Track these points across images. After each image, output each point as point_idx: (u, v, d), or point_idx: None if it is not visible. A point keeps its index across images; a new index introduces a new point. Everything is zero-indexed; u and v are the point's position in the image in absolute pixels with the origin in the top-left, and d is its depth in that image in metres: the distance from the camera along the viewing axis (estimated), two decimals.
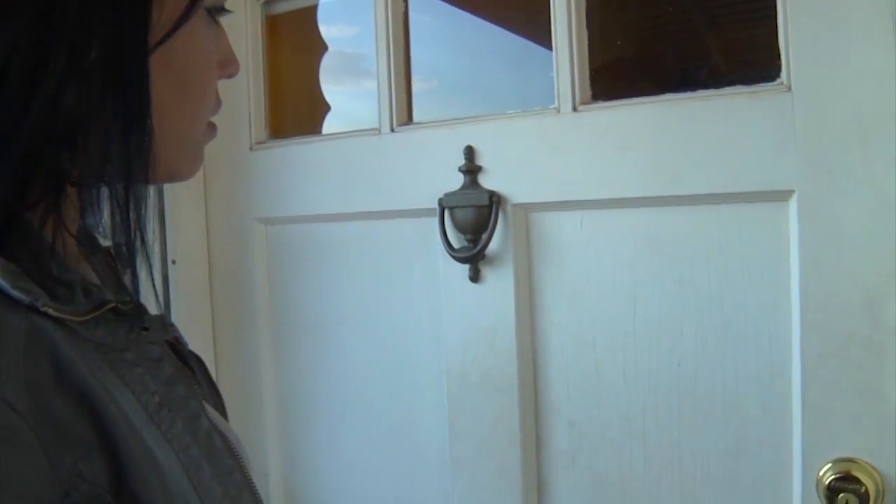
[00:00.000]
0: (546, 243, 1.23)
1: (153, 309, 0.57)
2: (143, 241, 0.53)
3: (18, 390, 0.42)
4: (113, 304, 0.50)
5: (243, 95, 1.55)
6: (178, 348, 0.62)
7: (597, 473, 1.21)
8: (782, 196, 1.04)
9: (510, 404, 1.26)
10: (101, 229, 0.61)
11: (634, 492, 1.18)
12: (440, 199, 1.29)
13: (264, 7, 1.58)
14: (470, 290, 1.29)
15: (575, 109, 1.20)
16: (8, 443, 0.41)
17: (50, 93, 0.46)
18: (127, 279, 0.62)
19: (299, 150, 1.50)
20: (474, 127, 1.28)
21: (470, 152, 1.27)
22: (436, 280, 1.34)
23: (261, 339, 1.57)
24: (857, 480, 0.98)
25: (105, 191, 0.54)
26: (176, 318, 1.53)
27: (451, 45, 1.57)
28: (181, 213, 1.57)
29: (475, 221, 1.25)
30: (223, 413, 0.69)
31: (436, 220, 1.29)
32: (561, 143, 1.20)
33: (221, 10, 0.59)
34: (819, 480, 1.01)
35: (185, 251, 1.58)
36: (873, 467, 0.98)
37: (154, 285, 0.59)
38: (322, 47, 1.65)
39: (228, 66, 0.62)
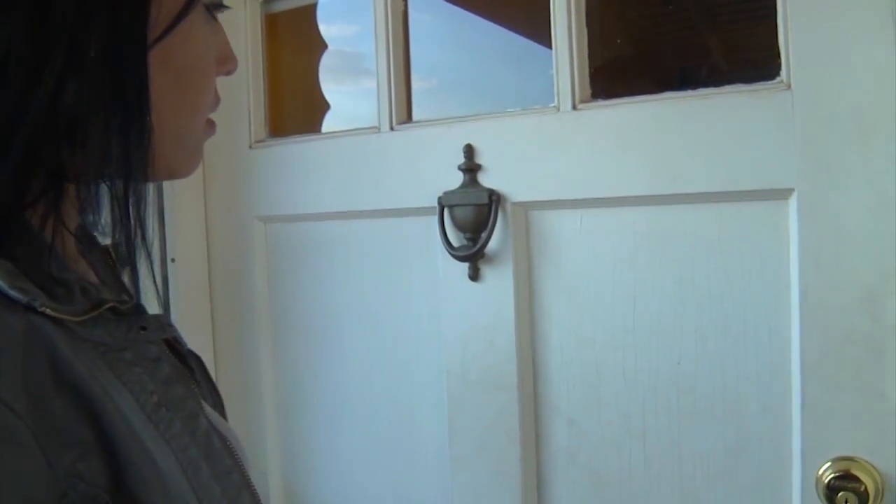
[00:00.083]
0: (546, 242, 1.23)
1: (154, 306, 0.57)
2: (144, 237, 0.53)
3: (16, 390, 0.42)
4: (111, 304, 0.50)
5: (243, 94, 1.55)
6: (176, 347, 0.62)
7: (596, 472, 1.21)
8: (782, 194, 1.04)
9: (510, 403, 1.26)
10: (100, 227, 0.61)
11: (634, 490, 1.18)
12: (440, 198, 1.29)
13: (264, 5, 1.58)
14: (469, 289, 1.29)
15: (575, 108, 1.20)
16: (5, 443, 0.41)
17: (49, 89, 0.46)
18: (126, 277, 0.62)
19: (299, 148, 1.50)
20: (474, 125, 1.28)
21: (469, 151, 1.27)
22: (435, 278, 1.34)
23: (260, 337, 1.57)
24: (856, 479, 0.98)
25: (104, 188, 0.54)
26: (175, 317, 1.53)
27: (450, 43, 1.57)
28: (181, 211, 1.57)
29: (475, 220, 1.25)
30: (222, 412, 0.69)
31: (435, 218, 1.29)
32: (561, 142, 1.20)
33: (220, 6, 0.59)
34: (819, 479, 1.01)
35: (185, 250, 1.58)
36: (873, 466, 0.98)
37: (155, 282, 0.59)
38: (322, 46, 1.65)
39: (227, 62, 0.62)
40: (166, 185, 1.44)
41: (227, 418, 0.70)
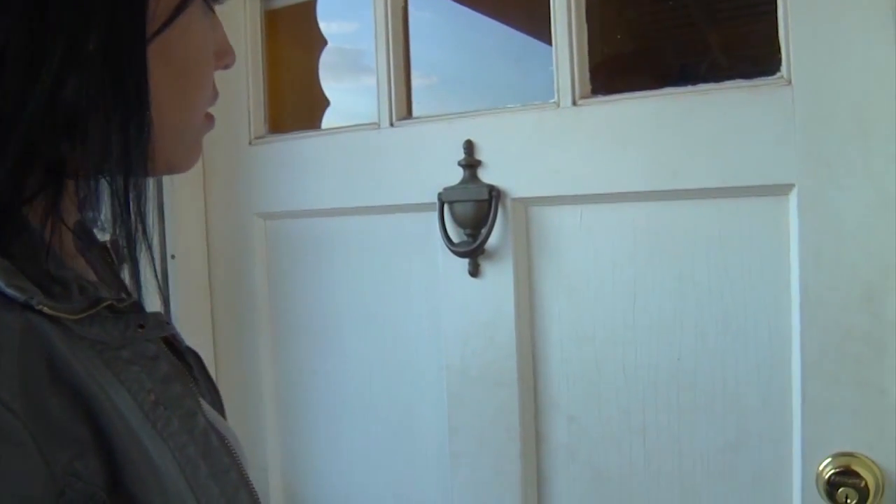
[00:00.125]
0: (546, 238, 1.23)
1: (155, 302, 0.57)
2: (144, 232, 0.53)
3: (13, 389, 0.42)
4: (109, 302, 0.50)
5: (242, 90, 1.55)
6: (174, 345, 0.61)
7: (596, 468, 1.21)
8: (782, 190, 1.04)
9: (510, 399, 1.26)
10: (99, 224, 0.61)
11: (634, 486, 1.18)
12: (440, 194, 1.29)
13: (263, 2, 1.58)
14: (469, 285, 1.29)
15: (574, 104, 1.20)
16: (3, 442, 0.41)
17: (48, 84, 0.46)
18: (125, 274, 0.62)
19: (298, 144, 1.50)
20: (474, 121, 1.28)
21: (469, 147, 1.27)
22: (435, 274, 1.33)
23: (260, 333, 1.57)
24: (856, 475, 0.98)
25: (104, 184, 0.54)
26: (175, 313, 1.53)
27: (450, 40, 1.57)
28: (180, 208, 1.57)
29: (475, 216, 1.25)
30: (221, 409, 0.69)
31: (435, 214, 1.29)
32: (560, 138, 1.20)
33: None
34: (819, 475, 1.01)
35: (185, 246, 1.58)
36: (873, 461, 0.98)
37: (157, 277, 0.58)
38: (321, 42, 1.65)
39: (225, 56, 0.62)
40: (166, 181, 1.45)
41: (225, 415, 0.69)
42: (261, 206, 1.55)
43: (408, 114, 1.40)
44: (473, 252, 1.26)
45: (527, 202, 1.24)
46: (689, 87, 1.12)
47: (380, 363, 1.43)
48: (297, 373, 1.54)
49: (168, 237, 1.54)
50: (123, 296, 0.53)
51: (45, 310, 0.46)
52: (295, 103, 1.70)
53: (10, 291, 0.45)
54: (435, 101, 1.47)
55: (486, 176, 1.26)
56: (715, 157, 1.08)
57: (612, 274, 1.18)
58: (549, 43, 1.22)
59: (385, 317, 1.42)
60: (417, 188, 1.33)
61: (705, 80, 1.11)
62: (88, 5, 0.47)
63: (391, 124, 1.39)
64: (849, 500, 0.98)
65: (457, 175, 1.28)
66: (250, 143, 1.56)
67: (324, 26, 1.64)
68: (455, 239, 1.28)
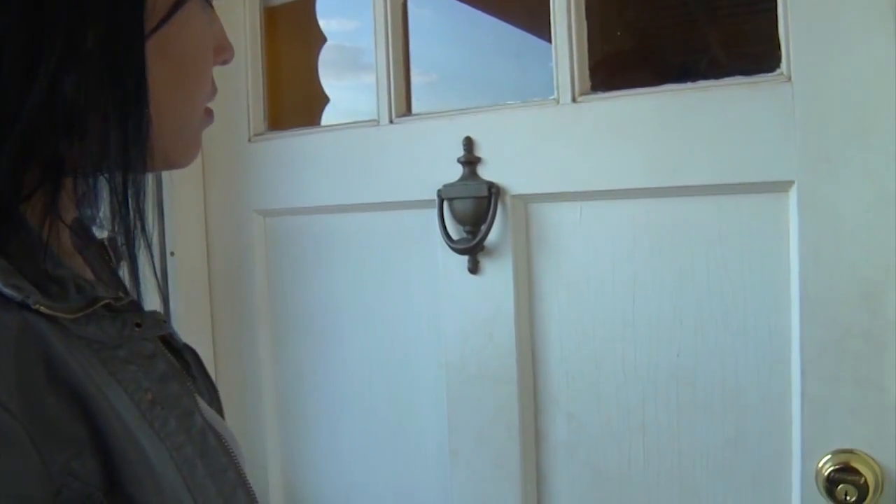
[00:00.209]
0: (545, 234, 1.23)
1: (154, 299, 0.57)
2: (144, 229, 0.53)
3: (10, 389, 0.42)
4: (106, 301, 0.50)
5: (242, 87, 1.55)
6: (171, 343, 0.61)
7: (596, 465, 1.21)
8: (782, 187, 1.03)
9: (509, 396, 1.26)
10: (98, 221, 0.61)
11: (634, 483, 1.18)
12: (439, 191, 1.29)
13: None
14: (469, 282, 1.29)
15: (574, 100, 1.19)
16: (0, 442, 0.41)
17: (46, 81, 0.46)
18: (123, 271, 0.62)
19: (298, 141, 1.50)
20: (473, 118, 1.28)
21: (469, 143, 1.27)
22: (435, 271, 1.33)
23: (259, 330, 1.57)
24: (856, 472, 0.98)
25: (102, 181, 0.53)
26: (174, 310, 1.53)
27: (449, 37, 1.56)
28: (180, 205, 1.57)
29: (474, 213, 1.25)
30: (218, 407, 0.69)
31: (435, 211, 1.29)
32: (560, 134, 1.20)
33: None
34: (818, 472, 1.01)
35: (184, 243, 1.58)
36: (873, 459, 0.98)
37: (156, 274, 0.58)
38: (321, 39, 1.64)
39: (223, 52, 0.62)
40: (165, 178, 1.44)
41: (223, 412, 0.69)
42: (260, 203, 1.55)
43: (407, 111, 1.40)
44: (473, 249, 1.26)
45: (526, 199, 1.24)
46: (689, 84, 1.11)
47: (379, 360, 1.43)
48: (297, 370, 1.54)
49: (167, 234, 1.54)
50: (121, 294, 0.53)
51: (42, 309, 0.46)
52: (294, 100, 1.70)
53: (6, 291, 0.45)
54: (434, 97, 1.47)
55: (486, 173, 1.26)
56: (714, 154, 1.07)
57: (612, 271, 1.17)
58: (549, 40, 1.22)
59: (384, 314, 1.42)
60: (417, 185, 1.33)
61: (705, 76, 1.11)
62: (87, 2, 0.47)
63: (391, 121, 1.38)
64: (848, 497, 0.98)
65: (456, 172, 1.28)
66: (250, 140, 1.56)
67: (323, 23, 1.64)
68: (454, 236, 1.28)
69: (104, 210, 0.57)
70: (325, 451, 1.52)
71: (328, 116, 1.62)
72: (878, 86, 0.96)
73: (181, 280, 1.57)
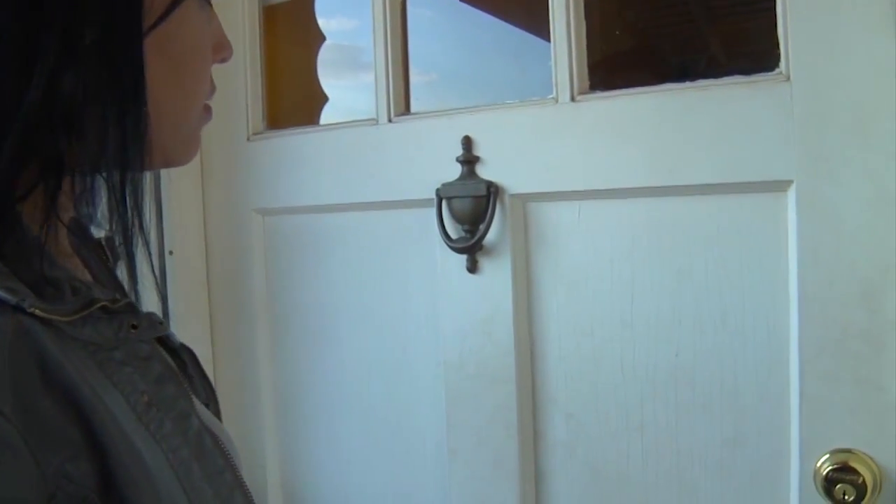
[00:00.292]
0: (544, 233, 1.23)
1: (152, 298, 0.57)
2: (142, 227, 0.53)
3: (5, 392, 0.42)
4: (102, 303, 0.50)
5: (240, 86, 1.55)
6: (168, 343, 0.61)
7: (594, 464, 1.21)
8: (781, 186, 1.03)
9: (508, 395, 1.26)
10: (95, 220, 0.60)
11: (632, 483, 1.18)
12: (438, 190, 1.29)
13: None
14: (467, 281, 1.29)
15: (573, 99, 1.19)
16: None
17: (43, 80, 0.46)
18: (121, 271, 0.61)
19: (297, 140, 1.50)
20: (472, 117, 1.28)
21: (468, 142, 1.26)
22: (433, 271, 1.33)
23: (258, 328, 1.57)
24: (854, 471, 0.98)
25: (100, 179, 0.53)
26: (173, 309, 1.53)
27: (448, 36, 1.56)
28: (178, 203, 1.56)
29: (473, 212, 1.25)
30: (216, 406, 0.68)
31: (433, 210, 1.29)
32: (559, 134, 1.19)
33: None
34: (817, 471, 1.01)
35: (183, 242, 1.57)
36: (871, 458, 0.98)
37: (154, 273, 0.58)
38: (319, 38, 1.64)
39: (222, 50, 0.61)
40: (164, 177, 1.44)
41: (220, 412, 0.69)
42: (259, 202, 1.55)
43: (406, 110, 1.40)
44: (471, 248, 1.25)
45: (525, 198, 1.24)
46: (688, 84, 1.11)
47: (378, 359, 1.42)
48: (295, 368, 1.54)
49: (166, 233, 1.54)
50: (117, 296, 0.53)
51: (38, 312, 0.45)
52: (293, 99, 1.70)
53: (1, 294, 0.45)
54: (433, 97, 1.47)
55: (485, 172, 1.26)
56: (713, 154, 1.07)
57: (611, 270, 1.17)
58: (548, 39, 1.22)
59: (383, 313, 1.41)
60: (415, 184, 1.32)
61: (704, 76, 1.11)
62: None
63: (389, 120, 1.38)
64: (846, 497, 0.98)
65: (455, 171, 1.27)
66: (248, 139, 1.55)
67: (322, 22, 1.63)
68: (453, 235, 1.28)
69: (102, 209, 0.57)
70: (323, 450, 1.51)
71: (327, 115, 1.62)
72: (877, 85, 0.96)
73: (179, 279, 1.57)
